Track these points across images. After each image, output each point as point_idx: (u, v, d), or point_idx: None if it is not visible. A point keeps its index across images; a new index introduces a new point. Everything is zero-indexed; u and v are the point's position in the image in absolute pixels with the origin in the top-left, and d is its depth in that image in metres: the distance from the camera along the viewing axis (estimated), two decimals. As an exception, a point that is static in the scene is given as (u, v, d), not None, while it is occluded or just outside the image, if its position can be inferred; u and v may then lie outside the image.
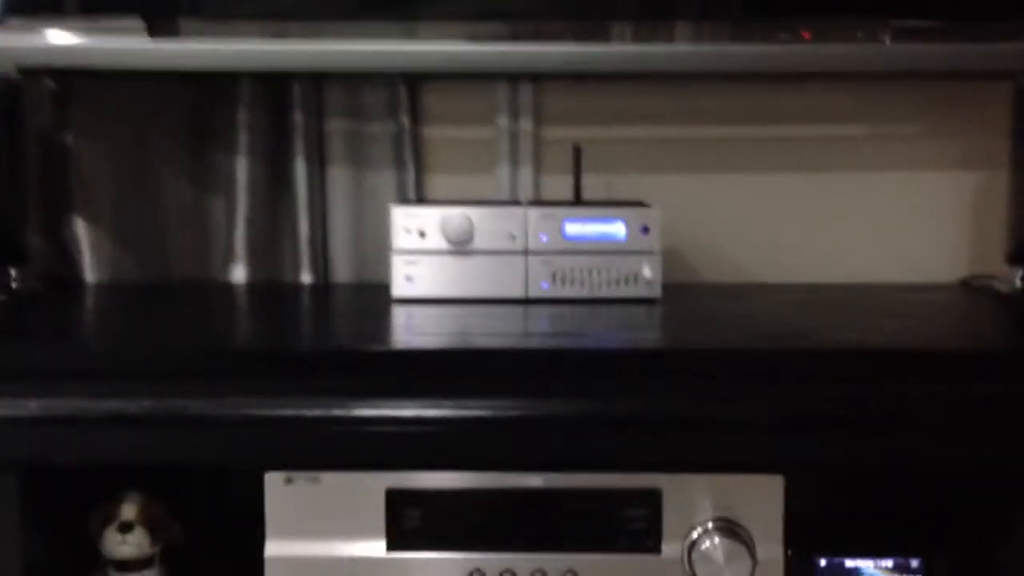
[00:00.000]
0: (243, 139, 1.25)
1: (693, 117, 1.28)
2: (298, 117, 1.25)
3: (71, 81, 1.23)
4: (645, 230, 1.11)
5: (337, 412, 0.86)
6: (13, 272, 1.15)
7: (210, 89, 1.26)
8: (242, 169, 1.25)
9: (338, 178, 1.27)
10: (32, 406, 0.85)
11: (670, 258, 1.17)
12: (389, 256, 1.11)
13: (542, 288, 1.10)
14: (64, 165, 1.24)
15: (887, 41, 1.11)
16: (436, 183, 1.29)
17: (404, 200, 1.26)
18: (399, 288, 1.11)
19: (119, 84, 1.23)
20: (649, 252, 1.11)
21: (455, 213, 1.10)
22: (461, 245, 1.10)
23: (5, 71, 1.11)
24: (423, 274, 1.10)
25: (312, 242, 1.26)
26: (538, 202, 1.22)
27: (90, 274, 1.25)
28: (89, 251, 1.24)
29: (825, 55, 1.12)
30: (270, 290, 1.25)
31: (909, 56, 1.12)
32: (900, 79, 1.24)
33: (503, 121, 1.26)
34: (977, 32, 1.12)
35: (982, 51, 1.12)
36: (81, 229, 1.24)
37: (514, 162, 1.27)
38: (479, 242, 1.10)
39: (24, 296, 1.15)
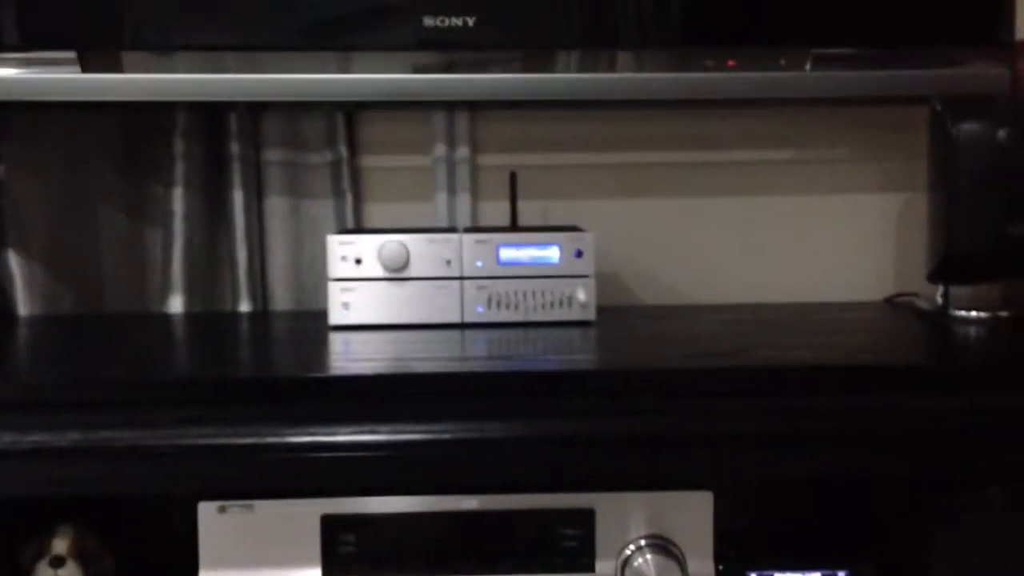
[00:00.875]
0: (180, 169, 1.25)
1: (626, 144, 1.31)
2: (235, 147, 1.25)
3: (4, 113, 1.22)
4: (579, 254, 1.12)
5: (270, 439, 0.86)
6: (-57, 307, 1.14)
7: (146, 120, 1.26)
8: (179, 200, 1.25)
9: (276, 207, 1.27)
10: (-40, 440, 0.84)
11: (606, 281, 1.19)
12: (327, 284, 1.12)
13: (477, 312, 1.12)
14: (-5, 198, 1.23)
15: (808, 68, 1.15)
16: (375, 212, 1.30)
17: (343, 229, 1.27)
18: (336, 315, 1.11)
19: (53, 116, 1.23)
20: (583, 276, 1.12)
21: (391, 240, 1.11)
22: (397, 272, 1.11)
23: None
24: (360, 301, 1.11)
25: (250, 272, 1.26)
26: (473, 228, 1.24)
27: (23, 307, 1.23)
28: (22, 284, 1.23)
29: (749, 82, 1.15)
30: (208, 320, 1.24)
31: (829, 83, 1.15)
32: (824, 105, 1.29)
33: (440, 149, 1.28)
34: (893, 59, 1.16)
35: (898, 77, 1.16)
36: (14, 262, 1.23)
37: (452, 189, 1.29)
38: (415, 269, 1.11)
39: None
